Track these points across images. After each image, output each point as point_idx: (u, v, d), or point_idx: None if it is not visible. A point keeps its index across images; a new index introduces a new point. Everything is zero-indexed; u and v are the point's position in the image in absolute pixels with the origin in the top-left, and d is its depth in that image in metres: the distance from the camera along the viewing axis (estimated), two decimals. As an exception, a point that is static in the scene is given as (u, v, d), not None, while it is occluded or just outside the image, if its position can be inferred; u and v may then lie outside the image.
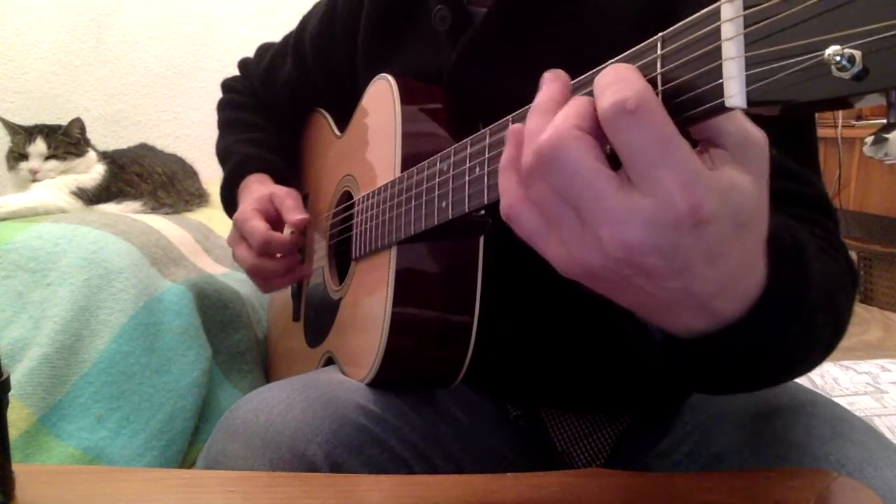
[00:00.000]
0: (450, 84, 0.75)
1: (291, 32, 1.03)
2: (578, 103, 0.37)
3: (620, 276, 0.37)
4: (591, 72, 0.41)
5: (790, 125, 0.62)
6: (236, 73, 1.16)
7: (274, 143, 1.06)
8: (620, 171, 0.35)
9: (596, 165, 0.35)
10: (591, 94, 0.37)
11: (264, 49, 1.10)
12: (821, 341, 0.51)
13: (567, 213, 0.36)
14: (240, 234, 0.92)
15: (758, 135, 0.37)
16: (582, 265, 0.37)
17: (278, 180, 0.99)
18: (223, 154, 1.06)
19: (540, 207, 0.38)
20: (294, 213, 0.89)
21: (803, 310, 0.43)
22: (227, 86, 1.16)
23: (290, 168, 1.06)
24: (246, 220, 0.89)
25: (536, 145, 0.36)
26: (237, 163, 1.01)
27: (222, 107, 1.14)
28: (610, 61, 0.42)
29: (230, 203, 1.00)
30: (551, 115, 0.38)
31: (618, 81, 0.35)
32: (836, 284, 0.52)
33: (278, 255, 0.90)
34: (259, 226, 0.88)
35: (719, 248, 0.36)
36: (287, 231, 0.90)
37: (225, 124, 1.11)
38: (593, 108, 0.36)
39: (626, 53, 0.40)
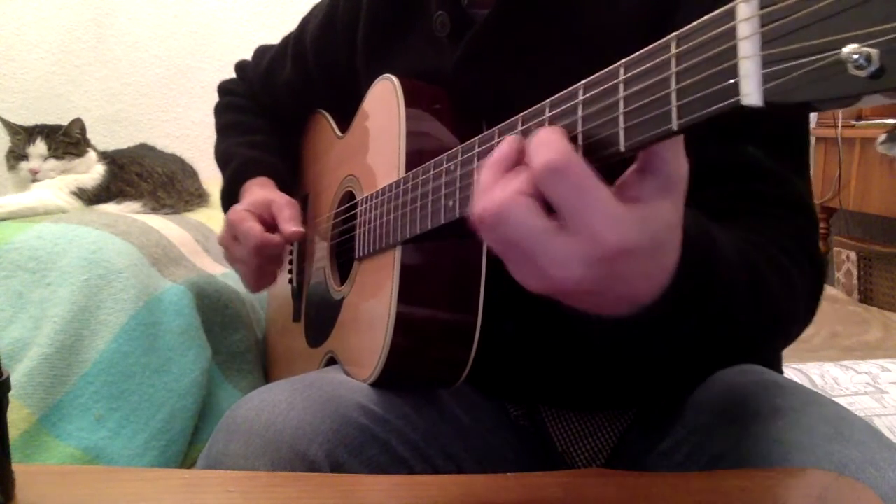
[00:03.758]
0: (451, 85, 0.75)
1: (291, 34, 1.03)
2: (517, 169, 0.44)
3: (565, 294, 0.45)
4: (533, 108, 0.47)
5: (779, 122, 0.63)
6: (235, 74, 1.16)
7: (275, 145, 1.05)
8: (555, 216, 0.42)
9: (536, 222, 0.42)
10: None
11: (262, 51, 1.09)
12: (750, 326, 0.57)
13: (517, 254, 0.44)
14: (232, 235, 0.91)
15: (684, 164, 0.43)
16: (534, 287, 0.45)
17: (280, 185, 0.98)
18: (223, 157, 1.05)
19: (497, 248, 0.45)
20: (290, 223, 0.89)
21: (714, 291, 0.50)
22: (225, 89, 1.15)
23: (290, 170, 1.05)
24: (241, 221, 0.89)
25: (485, 208, 0.43)
26: (239, 166, 1.00)
27: (220, 110, 1.13)
28: (609, 66, 0.42)
29: (230, 206, 0.99)
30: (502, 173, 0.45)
31: (544, 144, 0.42)
32: (768, 274, 0.57)
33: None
34: (255, 227, 0.88)
35: (644, 265, 0.43)
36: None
37: (224, 128, 1.10)
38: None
39: (639, 52, 0.40)
